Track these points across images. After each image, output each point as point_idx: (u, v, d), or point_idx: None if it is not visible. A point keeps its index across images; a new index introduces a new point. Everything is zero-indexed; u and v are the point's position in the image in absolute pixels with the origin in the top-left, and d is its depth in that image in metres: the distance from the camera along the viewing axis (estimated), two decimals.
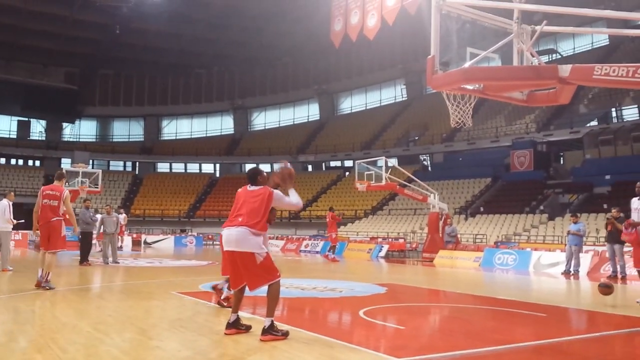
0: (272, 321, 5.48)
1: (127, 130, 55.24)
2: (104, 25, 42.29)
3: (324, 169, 48.15)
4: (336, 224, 21.18)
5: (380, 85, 50.01)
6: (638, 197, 8.81)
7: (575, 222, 16.15)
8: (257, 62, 51.02)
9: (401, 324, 6.82)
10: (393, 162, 30.08)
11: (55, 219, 9.41)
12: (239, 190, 5.87)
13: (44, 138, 50.58)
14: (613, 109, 33.56)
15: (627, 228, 8.82)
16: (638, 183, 8.89)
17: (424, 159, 42.22)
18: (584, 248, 18.07)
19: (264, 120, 55.73)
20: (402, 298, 9.77)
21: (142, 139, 54.05)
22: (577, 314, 8.38)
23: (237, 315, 5.74)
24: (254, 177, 5.86)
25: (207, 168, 51.84)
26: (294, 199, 5.80)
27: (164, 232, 36.81)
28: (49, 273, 9.16)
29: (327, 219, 20.93)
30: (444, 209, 22.32)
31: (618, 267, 14.21)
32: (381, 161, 24.61)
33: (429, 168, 40.65)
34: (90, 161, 44.70)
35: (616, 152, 29.28)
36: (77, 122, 53.07)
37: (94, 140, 53.00)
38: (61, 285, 9.78)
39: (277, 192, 5.68)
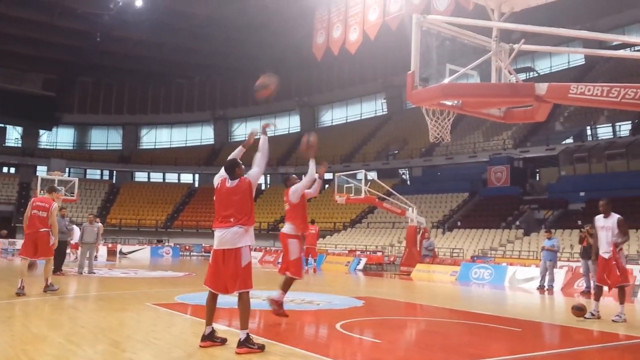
0: (247, 334, 5.43)
1: (105, 139, 54.66)
2: (85, 33, 41.91)
3: None
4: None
5: (361, 98, 50.38)
6: (603, 215, 8.95)
7: (549, 238, 16.36)
8: (239, 73, 50.98)
9: (378, 337, 6.82)
10: (373, 175, 30.24)
11: (43, 229, 9.93)
12: (218, 186, 5.83)
13: (20, 145, 49.76)
14: (588, 127, 34.27)
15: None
16: (601, 202, 9.06)
17: (403, 173, 42.53)
18: (559, 264, 18.32)
19: (245, 131, 55.56)
20: (379, 311, 9.77)
21: (121, 148, 53.50)
22: (552, 329, 8.47)
23: (212, 328, 5.68)
24: (232, 169, 5.85)
25: (186, 178, 51.48)
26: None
27: (140, 242, 36.33)
28: (48, 279, 10.25)
29: (311, 232, 20.85)
30: (422, 223, 22.45)
31: (592, 282, 14.41)
32: (361, 174, 24.71)
33: (408, 182, 40.94)
34: (67, 169, 44.06)
35: (590, 169, 29.85)
36: (54, 129, 52.37)
37: (71, 148, 52.28)
38: (33, 295, 9.59)
39: (253, 178, 5.74)
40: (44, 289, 10.15)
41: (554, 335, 7.98)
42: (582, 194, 28.17)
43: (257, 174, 5.93)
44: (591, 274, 14.47)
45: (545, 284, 15.69)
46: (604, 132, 33.85)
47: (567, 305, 12.55)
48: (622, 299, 8.82)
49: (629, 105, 5.60)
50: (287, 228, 7.85)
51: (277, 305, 7.51)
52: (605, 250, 8.78)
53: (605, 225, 8.86)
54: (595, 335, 7.81)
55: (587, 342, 7.43)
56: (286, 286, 7.58)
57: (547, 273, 15.76)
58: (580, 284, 15.19)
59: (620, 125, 33.14)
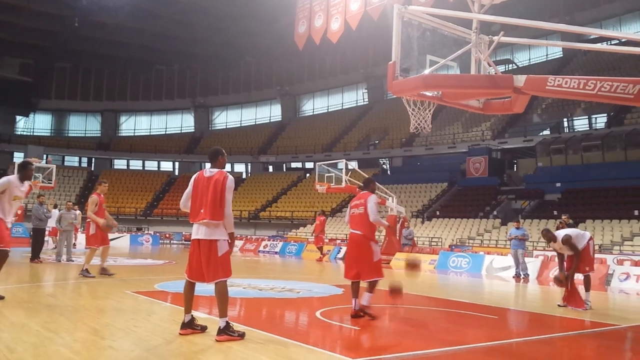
0: (227, 322, 5.46)
1: (83, 125, 53.91)
2: (62, 17, 41.15)
3: (284, 169, 48.14)
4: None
5: (342, 88, 50.38)
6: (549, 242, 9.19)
7: (517, 227, 16.63)
8: (219, 61, 50.58)
9: (356, 324, 6.90)
10: (353, 165, 30.30)
11: None
12: (196, 175, 5.81)
13: None
14: (565, 119, 34.80)
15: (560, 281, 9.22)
16: (562, 219, 9.42)
17: (384, 163, 42.75)
18: (534, 253, 18.69)
19: (226, 119, 55.30)
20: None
21: (99, 135, 52.83)
22: (527, 317, 8.66)
23: (192, 316, 5.70)
24: (215, 156, 5.83)
25: (166, 166, 51.07)
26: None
27: (120, 230, 35.99)
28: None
29: (317, 222, 21.61)
30: (402, 212, 22.63)
31: None
32: (342, 164, 24.78)
33: (388, 172, 41.19)
34: (44, 156, 43.30)
35: (567, 160, 30.35)
36: (31, 116, 51.47)
37: (48, 134, 51.47)
38: (10, 283, 9.48)
39: (231, 178, 5.67)
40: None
41: (529, 323, 8.16)
42: (558, 184, 28.66)
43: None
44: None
45: (521, 272, 15.98)
46: (581, 124, 34.42)
47: (543, 293, 12.84)
48: (587, 286, 9.17)
49: (604, 97, 5.71)
50: (364, 232, 7.26)
51: (367, 310, 7.05)
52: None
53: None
54: (568, 323, 8.01)
55: (561, 329, 7.62)
56: (372, 288, 7.11)
57: (520, 262, 16.06)
58: (555, 273, 15.49)
59: (596, 118, 33.73)
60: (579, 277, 9.30)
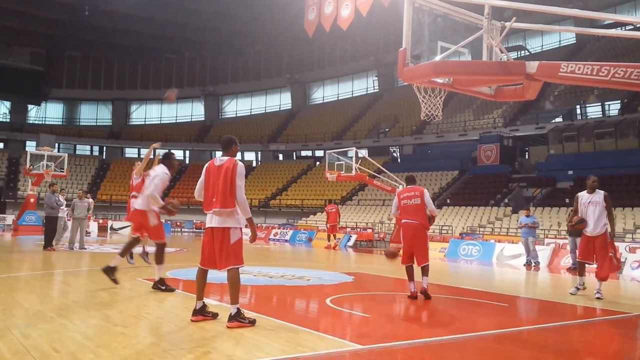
0: (238, 308, 5.50)
1: (94, 114, 54.16)
2: (72, 6, 41.20)
3: (294, 158, 48.13)
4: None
5: (352, 76, 50.14)
6: (587, 192, 8.95)
7: (528, 215, 16.52)
8: (229, 49, 50.48)
9: (367, 312, 6.92)
10: (363, 153, 30.31)
11: None
12: (208, 164, 5.83)
13: (8, 120, 49.20)
14: (577, 106, 34.42)
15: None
16: (593, 178, 9.03)
17: (394, 151, 42.60)
18: (545, 241, 18.59)
19: (236, 107, 55.29)
20: (368, 287, 9.90)
21: (110, 124, 53.08)
22: (537, 304, 8.64)
23: (204, 302, 5.76)
24: (229, 144, 5.84)
25: (177, 154, 51.01)
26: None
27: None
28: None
29: (332, 211, 21.89)
30: None
31: None
32: (352, 152, 24.74)
33: (399, 160, 41.05)
34: (56, 145, 43.65)
35: (579, 148, 30.07)
36: (43, 104, 51.76)
37: (60, 123, 51.79)
38: (24, 271, 9.60)
39: (241, 165, 5.68)
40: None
41: (540, 311, 8.14)
42: (570, 172, 28.42)
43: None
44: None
45: (532, 260, 15.93)
46: (594, 111, 34.02)
47: (553, 281, 12.79)
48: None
49: (618, 84, 5.64)
50: (422, 221, 8.10)
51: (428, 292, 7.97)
52: (594, 228, 8.71)
53: (593, 200, 8.82)
54: (579, 311, 7.98)
55: (572, 317, 7.60)
56: (427, 271, 8.03)
57: (531, 249, 16.00)
58: (567, 261, 15.44)
59: (609, 105, 33.32)
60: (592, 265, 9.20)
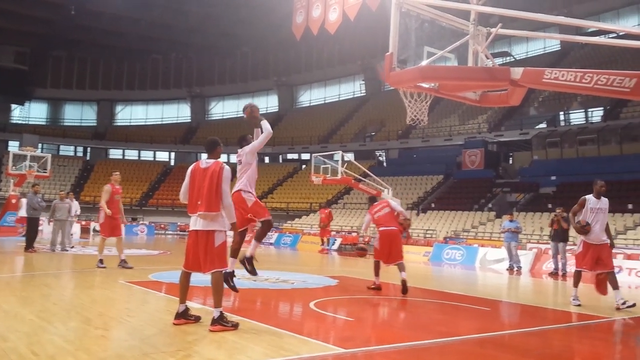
0: (221, 312, 5.47)
1: (79, 115, 53.63)
2: (58, 5, 40.82)
3: (280, 161, 48.07)
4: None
5: (339, 80, 50.24)
6: (594, 196, 8.55)
7: (511, 220, 16.67)
8: (216, 50, 50.31)
9: (350, 315, 6.92)
10: (349, 156, 30.31)
11: None
12: (193, 166, 5.80)
13: None
14: (561, 113, 34.81)
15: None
16: (602, 182, 8.64)
17: (380, 155, 42.72)
18: (528, 245, 18.76)
19: (222, 109, 55.10)
20: (352, 290, 9.89)
21: (95, 124, 52.58)
22: (519, 309, 8.70)
23: (186, 306, 5.72)
24: (213, 146, 5.84)
25: (162, 156, 50.91)
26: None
27: None
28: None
29: (322, 215, 22.21)
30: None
31: (560, 264, 14.81)
32: (338, 155, 24.75)
33: (384, 164, 41.16)
34: (40, 145, 43.11)
35: (562, 154, 30.39)
36: (26, 104, 51.14)
37: (44, 123, 51.18)
38: (4, 272, 9.46)
39: (227, 168, 5.67)
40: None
41: (521, 315, 8.19)
42: (553, 178, 28.71)
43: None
44: (560, 256, 14.87)
45: (514, 265, 16.06)
46: (577, 117, 34.43)
47: (535, 286, 12.90)
48: (614, 283, 8.45)
49: (601, 91, 5.69)
50: (397, 226, 9.63)
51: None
52: (599, 235, 8.34)
53: (601, 207, 8.46)
54: (559, 315, 8.05)
55: (552, 321, 7.66)
56: (403, 267, 9.30)
57: (513, 254, 16.14)
58: (549, 266, 15.58)
59: (592, 111, 33.75)
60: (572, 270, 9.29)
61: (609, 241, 8.45)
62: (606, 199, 8.58)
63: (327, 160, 24.85)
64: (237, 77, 52.29)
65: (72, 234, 18.03)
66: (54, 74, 50.88)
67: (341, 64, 48.03)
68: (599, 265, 8.32)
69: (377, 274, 9.58)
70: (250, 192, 7.00)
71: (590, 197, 8.60)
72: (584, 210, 8.50)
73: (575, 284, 8.65)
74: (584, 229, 8.35)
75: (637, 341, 6.33)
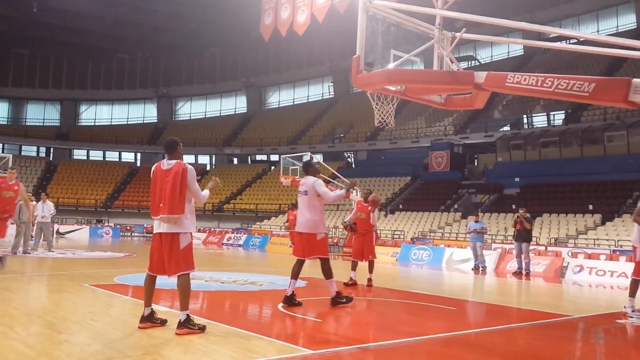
0: (187, 315, 5.42)
1: (42, 114, 52.31)
2: (20, 2, 39.72)
3: (249, 162, 47.85)
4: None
5: (308, 81, 50.30)
6: None
7: (476, 221, 16.98)
8: (183, 50, 49.77)
9: (319, 317, 6.95)
10: (318, 157, 30.41)
11: None
12: (155, 167, 5.70)
13: None
14: (524, 116, 35.61)
15: None
16: None
17: (348, 156, 42.94)
18: (493, 246, 19.12)
19: (190, 110, 54.54)
20: (321, 291, 9.90)
21: (58, 124, 51.37)
22: (484, 308, 8.87)
23: (152, 309, 5.64)
24: (174, 147, 5.71)
25: (128, 157, 50.08)
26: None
27: (79, 222, 35.24)
28: None
29: (291, 217, 21.38)
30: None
31: (523, 264, 15.13)
32: (307, 156, 24.76)
33: (353, 165, 41.40)
34: (0, 145, 41.98)
35: (526, 156, 31.09)
36: None
37: (5, 123, 49.77)
38: None
39: (190, 168, 5.61)
40: None
41: (487, 314, 8.35)
42: (517, 179, 29.35)
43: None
44: (523, 256, 15.19)
45: (479, 264, 16.35)
46: (540, 120, 35.30)
47: (499, 285, 13.16)
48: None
49: (561, 95, 5.84)
50: (370, 229, 10.81)
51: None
52: None
53: None
54: (523, 314, 8.24)
55: (517, 319, 7.84)
56: (372, 267, 10.61)
57: (479, 254, 16.43)
58: (513, 265, 15.91)
59: (554, 115, 34.62)
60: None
61: None
62: None
63: (296, 161, 24.88)
64: (205, 77, 51.82)
65: (33, 237, 17.53)
66: (15, 72, 49.50)
67: (310, 65, 48.09)
68: None
69: (354, 268, 10.53)
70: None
71: None
72: None
73: (632, 294, 7.73)
74: None
75: (598, 338, 6.52)
